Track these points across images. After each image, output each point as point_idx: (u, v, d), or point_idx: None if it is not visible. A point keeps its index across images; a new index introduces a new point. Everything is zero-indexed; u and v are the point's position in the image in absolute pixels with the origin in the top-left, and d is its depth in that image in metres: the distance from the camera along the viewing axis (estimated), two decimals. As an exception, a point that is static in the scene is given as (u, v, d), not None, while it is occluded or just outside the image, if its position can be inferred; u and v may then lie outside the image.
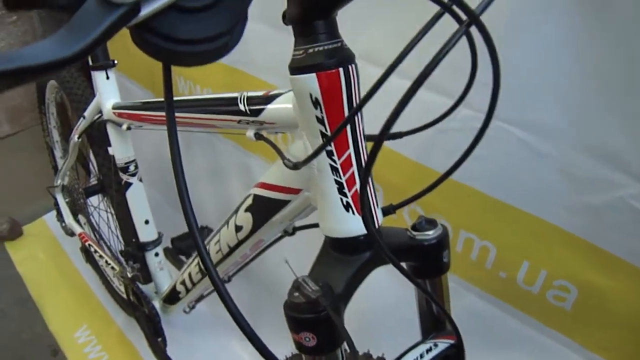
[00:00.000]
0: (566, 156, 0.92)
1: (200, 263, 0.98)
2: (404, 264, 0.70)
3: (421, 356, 0.66)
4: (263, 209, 0.72)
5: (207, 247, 0.94)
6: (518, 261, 1.04)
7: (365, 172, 0.45)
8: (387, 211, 0.66)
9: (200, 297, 1.26)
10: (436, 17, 0.41)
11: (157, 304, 1.37)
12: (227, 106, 0.71)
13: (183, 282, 1.12)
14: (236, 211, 0.80)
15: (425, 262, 0.67)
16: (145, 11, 0.31)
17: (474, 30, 0.38)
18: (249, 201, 0.75)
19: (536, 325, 1.08)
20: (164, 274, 1.39)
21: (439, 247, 0.66)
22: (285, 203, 0.69)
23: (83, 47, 0.28)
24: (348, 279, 0.59)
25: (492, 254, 1.08)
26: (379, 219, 0.61)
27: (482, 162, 1.01)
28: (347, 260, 0.60)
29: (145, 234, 1.33)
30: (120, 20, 0.29)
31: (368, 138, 0.59)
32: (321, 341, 0.56)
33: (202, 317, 1.74)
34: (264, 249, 0.88)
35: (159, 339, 1.36)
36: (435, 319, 0.73)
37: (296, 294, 0.56)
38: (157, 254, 1.36)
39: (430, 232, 0.65)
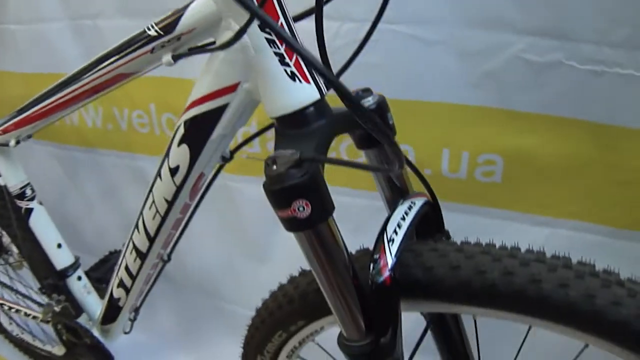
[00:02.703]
0: (454, 36, 0.98)
1: (135, 250, 0.92)
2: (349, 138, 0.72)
3: (406, 214, 0.66)
4: (200, 129, 0.68)
5: (139, 222, 0.88)
6: (437, 152, 1.08)
7: (318, 24, 0.45)
8: None
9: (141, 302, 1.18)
10: None
11: (95, 331, 1.27)
12: (135, 43, 0.68)
13: (120, 283, 1.04)
14: (167, 154, 0.74)
15: (372, 128, 0.67)
16: None
17: None
18: (181, 132, 0.70)
19: (474, 210, 1.12)
20: (93, 297, 1.29)
21: (382, 111, 0.67)
22: (223, 109, 0.65)
23: None
24: (315, 148, 0.57)
25: (412, 155, 1.11)
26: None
27: (379, 68, 1.04)
28: (306, 133, 0.59)
29: (61, 259, 1.22)
30: None
31: None
32: (316, 205, 0.54)
33: (143, 345, 1.68)
34: (203, 195, 0.84)
35: (110, 364, 1.26)
36: (399, 189, 0.74)
37: (274, 167, 0.54)
38: (79, 278, 1.26)
39: (370, 98, 0.66)
